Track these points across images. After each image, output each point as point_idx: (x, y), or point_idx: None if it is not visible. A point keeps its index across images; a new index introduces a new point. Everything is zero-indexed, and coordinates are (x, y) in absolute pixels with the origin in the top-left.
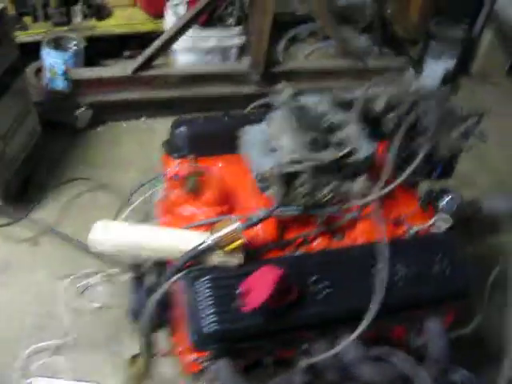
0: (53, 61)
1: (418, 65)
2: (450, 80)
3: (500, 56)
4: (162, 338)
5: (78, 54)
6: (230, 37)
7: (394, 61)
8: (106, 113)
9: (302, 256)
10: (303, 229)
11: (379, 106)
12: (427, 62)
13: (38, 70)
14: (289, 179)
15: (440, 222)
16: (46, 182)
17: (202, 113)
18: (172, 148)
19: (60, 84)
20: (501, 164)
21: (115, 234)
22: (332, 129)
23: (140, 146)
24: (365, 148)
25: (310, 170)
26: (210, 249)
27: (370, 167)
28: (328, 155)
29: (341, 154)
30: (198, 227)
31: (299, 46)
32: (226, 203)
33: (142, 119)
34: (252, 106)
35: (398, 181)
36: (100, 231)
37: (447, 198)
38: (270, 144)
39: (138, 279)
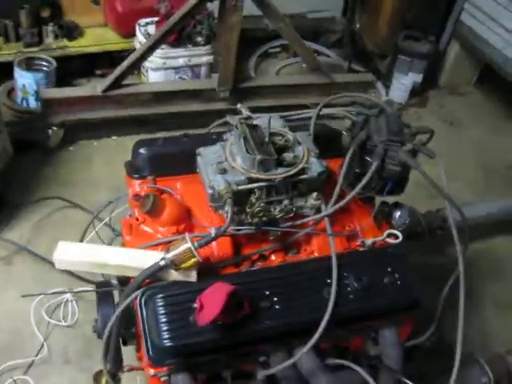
0: (25, 81)
1: (386, 78)
2: (419, 93)
3: (467, 67)
4: (130, 353)
5: (49, 74)
6: (199, 55)
7: (363, 75)
8: (77, 132)
9: (256, 271)
10: (259, 245)
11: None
12: (396, 76)
13: (11, 90)
14: (241, 198)
15: (391, 236)
16: (18, 201)
17: (175, 129)
18: (133, 169)
19: (32, 104)
20: (474, 173)
21: (75, 255)
22: (284, 148)
23: (111, 164)
24: (316, 166)
25: (262, 188)
26: (165, 267)
27: (327, 184)
28: (277, 174)
29: (290, 173)
30: (154, 246)
31: (270, 62)
32: (184, 222)
33: (113, 137)
34: (212, 125)
35: (349, 197)
36: (61, 251)
37: (399, 213)
38: (222, 164)
39: (105, 296)
